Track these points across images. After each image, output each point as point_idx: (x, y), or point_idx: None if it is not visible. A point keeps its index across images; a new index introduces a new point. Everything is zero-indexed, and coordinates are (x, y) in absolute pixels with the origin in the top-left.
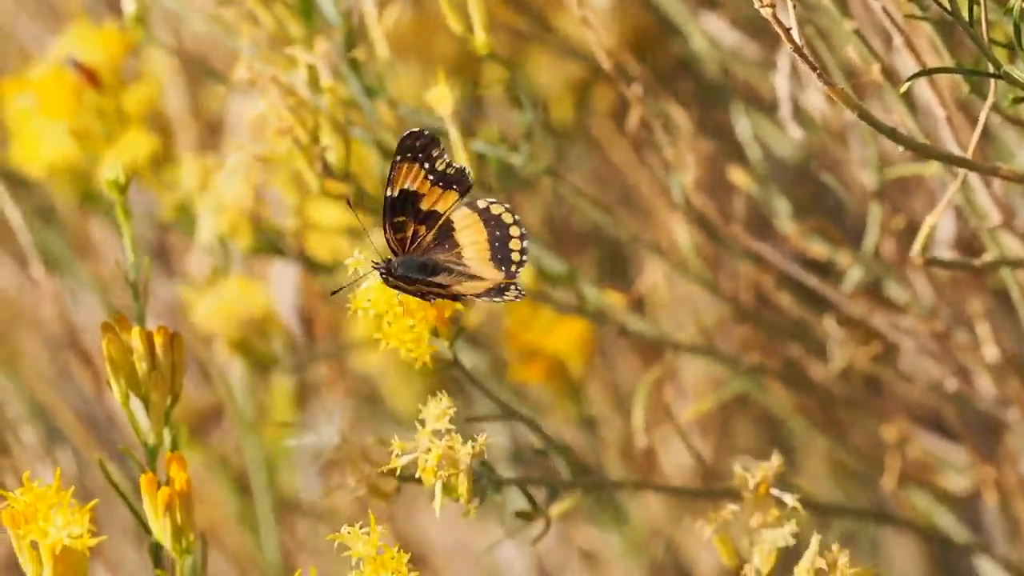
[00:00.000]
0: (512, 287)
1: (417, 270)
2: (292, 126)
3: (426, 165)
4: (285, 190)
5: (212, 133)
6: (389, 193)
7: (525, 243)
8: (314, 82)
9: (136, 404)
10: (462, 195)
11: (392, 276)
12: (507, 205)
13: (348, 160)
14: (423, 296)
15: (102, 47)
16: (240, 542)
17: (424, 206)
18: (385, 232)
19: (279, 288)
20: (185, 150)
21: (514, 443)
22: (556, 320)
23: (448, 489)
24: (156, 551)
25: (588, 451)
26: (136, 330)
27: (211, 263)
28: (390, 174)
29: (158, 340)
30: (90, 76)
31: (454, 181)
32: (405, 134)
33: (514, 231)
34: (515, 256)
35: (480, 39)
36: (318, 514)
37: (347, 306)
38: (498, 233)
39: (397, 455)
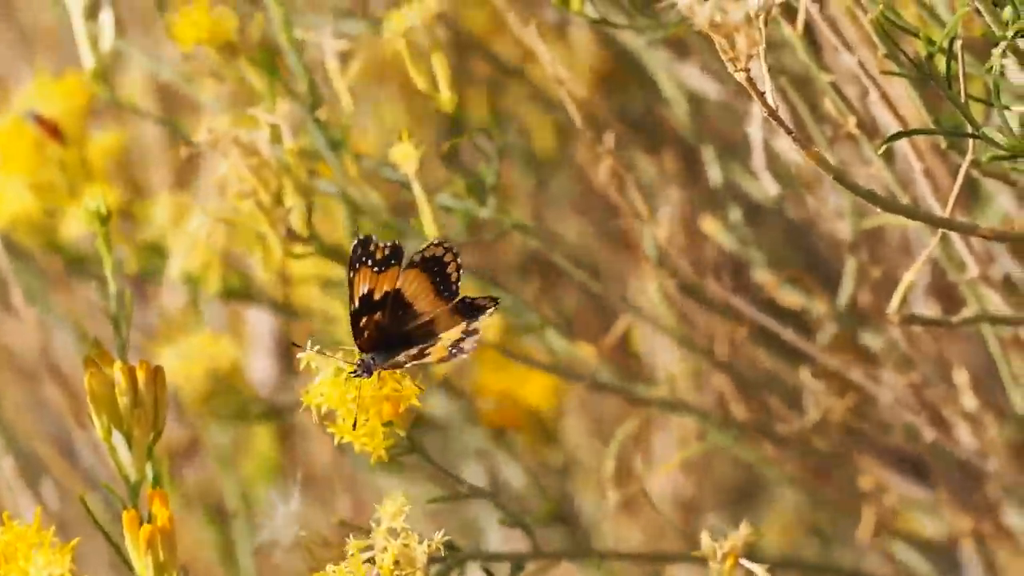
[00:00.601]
0: (469, 337)
1: (388, 352)
2: (254, 188)
3: (368, 262)
4: (251, 247)
5: (190, 165)
6: (352, 309)
7: (457, 260)
8: (277, 141)
9: (118, 439)
10: (400, 265)
11: (374, 370)
12: (435, 240)
13: (310, 222)
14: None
15: (65, 97)
16: None
17: (377, 296)
18: (357, 342)
19: (258, 326)
20: (162, 186)
21: (493, 480)
22: (529, 369)
23: None
24: None
25: (566, 495)
26: (118, 364)
27: (183, 304)
28: (349, 292)
29: (140, 375)
30: (52, 130)
31: (392, 258)
32: (352, 249)
33: (447, 257)
34: (453, 277)
35: (445, 96)
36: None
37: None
38: (436, 270)
39: (352, 555)
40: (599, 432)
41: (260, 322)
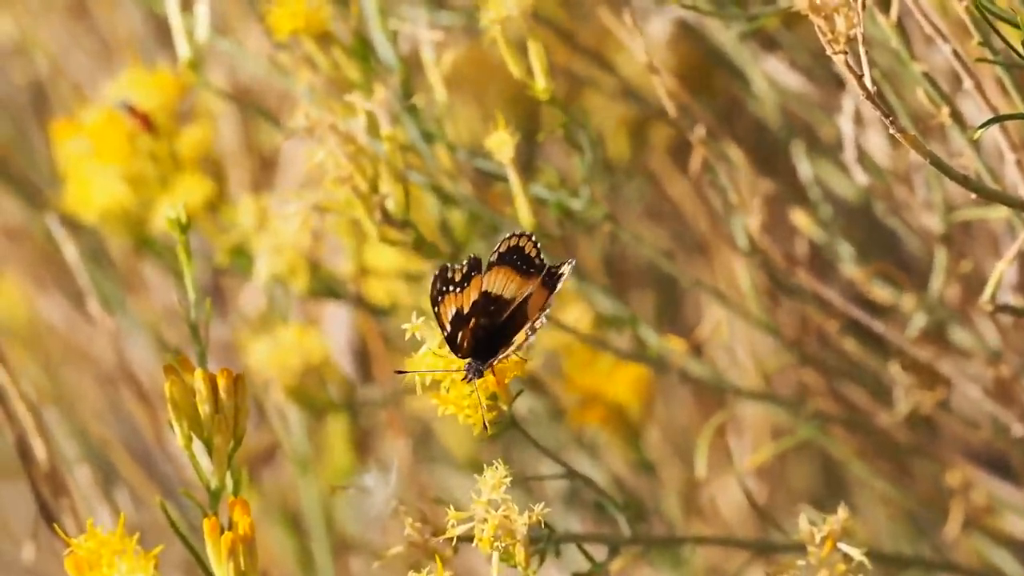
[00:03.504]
0: (542, 314)
1: (490, 348)
2: (351, 174)
3: (449, 288)
4: (342, 235)
5: (266, 170)
6: (445, 335)
7: (532, 239)
8: (373, 129)
9: (199, 447)
10: (481, 272)
11: (484, 370)
12: (506, 234)
13: (407, 208)
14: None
15: (156, 90)
16: None
17: (467, 310)
18: (457, 355)
19: (334, 330)
20: (240, 189)
21: (572, 485)
22: (615, 364)
23: (505, 556)
24: None
25: (647, 494)
26: (199, 372)
27: (265, 303)
28: (438, 322)
29: (221, 383)
30: (144, 120)
31: (471, 271)
32: (432, 283)
33: (522, 242)
34: (533, 254)
35: (540, 85)
36: (376, 554)
37: (404, 359)
38: (515, 258)
39: (453, 525)
40: (675, 439)
41: (337, 324)
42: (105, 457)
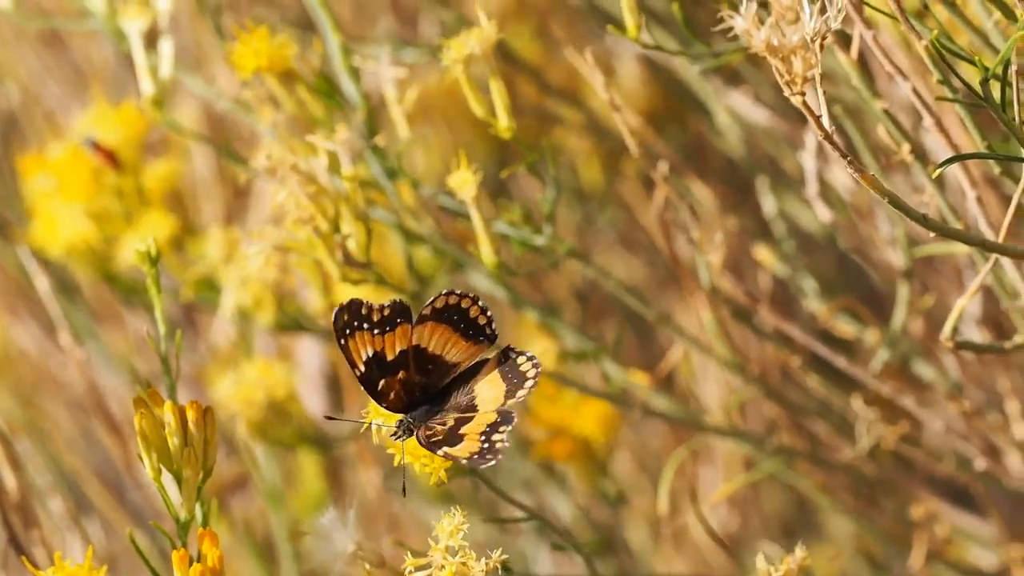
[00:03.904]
0: (504, 424)
1: (429, 407)
2: (312, 215)
3: (364, 325)
4: (308, 272)
5: (239, 199)
6: (357, 374)
7: (479, 303)
8: (335, 168)
9: (168, 479)
10: (409, 322)
11: (415, 430)
12: (444, 290)
13: (368, 249)
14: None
15: (122, 126)
16: None
17: (391, 356)
18: (382, 404)
19: (306, 361)
20: (210, 217)
21: (542, 511)
22: (582, 398)
23: None
24: None
25: (615, 524)
26: (168, 405)
27: (234, 337)
28: (347, 358)
29: (190, 415)
30: (109, 157)
31: (396, 316)
32: (335, 317)
33: (464, 303)
34: (482, 321)
35: (502, 123)
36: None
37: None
38: (456, 318)
39: (410, 572)
40: (647, 466)
41: (309, 355)
42: (77, 486)
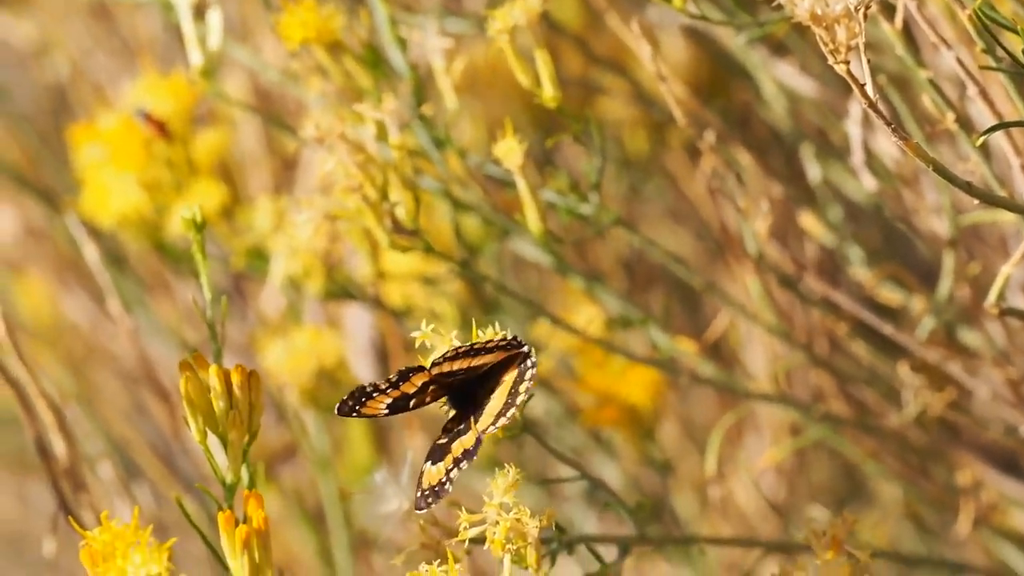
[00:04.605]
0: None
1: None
2: (361, 183)
3: (374, 394)
4: (357, 239)
5: (287, 169)
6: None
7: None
8: (383, 137)
9: (213, 442)
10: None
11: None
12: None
13: (416, 216)
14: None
15: (171, 96)
16: None
17: (413, 398)
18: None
19: (354, 331)
20: (259, 189)
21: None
22: (629, 364)
23: (517, 559)
24: None
25: (662, 491)
26: (213, 368)
27: (283, 306)
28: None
29: (235, 379)
30: (159, 127)
31: (407, 375)
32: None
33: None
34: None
35: (548, 93)
36: (395, 549)
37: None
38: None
39: (465, 528)
40: (693, 436)
41: (358, 323)
42: (127, 454)
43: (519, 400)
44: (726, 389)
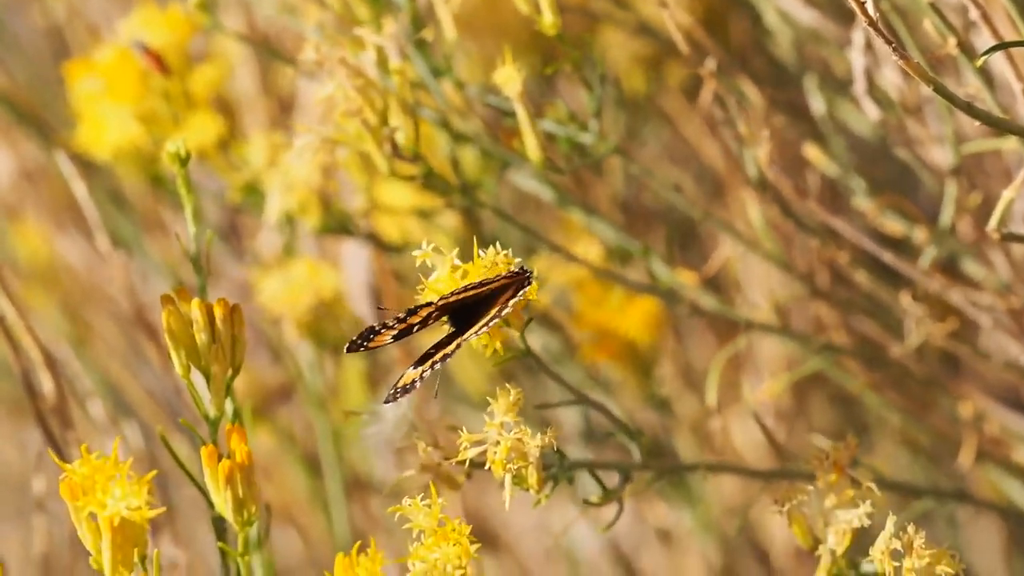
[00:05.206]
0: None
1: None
2: (360, 107)
3: (381, 330)
4: (354, 171)
5: (283, 110)
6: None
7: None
8: (382, 63)
9: (198, 377)
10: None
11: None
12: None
13: (417, 141)
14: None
15: (168, 30)
16: (312, 520)
17: (416, 325)
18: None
19: (351, 266)
20: (254, 128)
21: (587, 421)
22: (627, 300)
23: (518, 479)
24: (219, 524)
25: (660, 430)
26: (195, 302)
27: (280, 243)
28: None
29: (218, 312)
30: (157, 60)
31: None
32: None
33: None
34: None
35: (547, 20)
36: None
37: (418, 287)
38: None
39: (465, 447)
40: (692, 376)
41: (354, 260)
42: (120, 393)
43: (504, 312)
44: (726, 320)
